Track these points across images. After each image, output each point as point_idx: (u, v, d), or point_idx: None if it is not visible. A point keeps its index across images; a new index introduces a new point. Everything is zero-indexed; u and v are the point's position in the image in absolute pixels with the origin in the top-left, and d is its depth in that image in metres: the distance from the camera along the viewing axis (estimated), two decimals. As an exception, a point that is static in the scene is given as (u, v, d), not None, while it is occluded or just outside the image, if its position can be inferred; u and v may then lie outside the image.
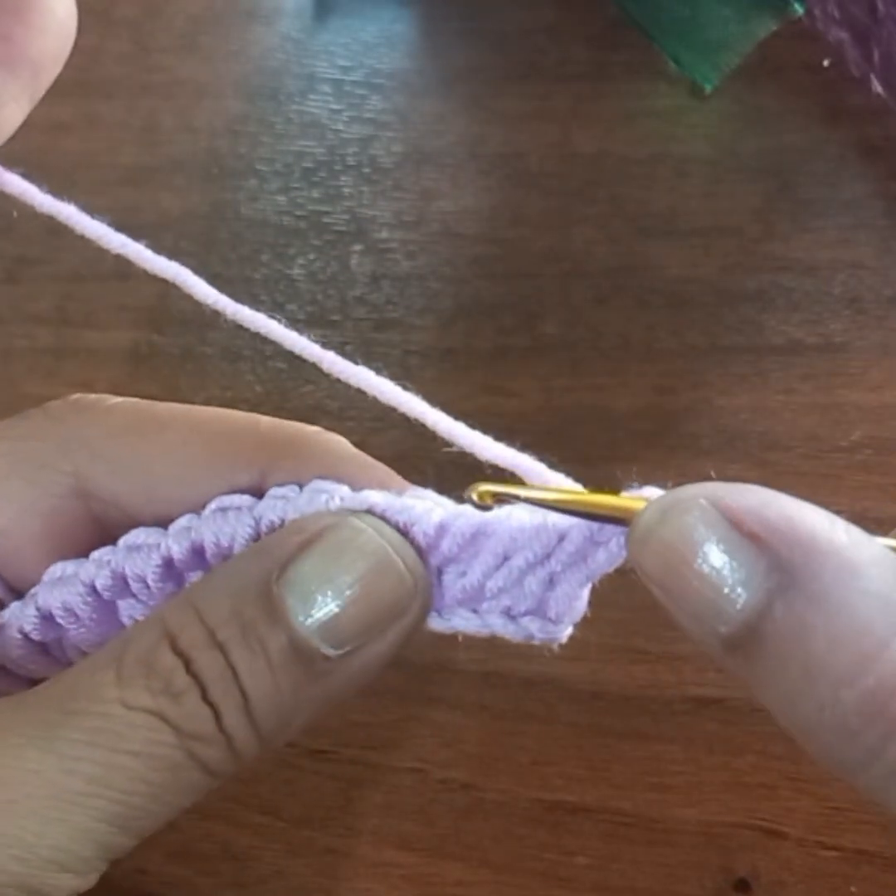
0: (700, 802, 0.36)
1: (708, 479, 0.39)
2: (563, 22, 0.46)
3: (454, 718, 0.38)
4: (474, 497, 0.22)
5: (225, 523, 0.23)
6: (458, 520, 0.23)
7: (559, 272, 0.43)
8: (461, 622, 0.24)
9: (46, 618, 0.24)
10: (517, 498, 0.22)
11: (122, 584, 0.24)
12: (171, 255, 0.45)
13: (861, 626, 0.19)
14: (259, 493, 0.24)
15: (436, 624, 0.24)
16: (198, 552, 0.24)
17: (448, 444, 0.26)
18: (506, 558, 0.23)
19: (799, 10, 0.41)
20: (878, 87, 0.41)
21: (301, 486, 0.24)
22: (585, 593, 0.24)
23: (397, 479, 0.25)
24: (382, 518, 0.23)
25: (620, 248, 0.43)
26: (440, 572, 0.24)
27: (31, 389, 0.46)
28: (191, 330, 0.45)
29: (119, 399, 0.26)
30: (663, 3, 0.42)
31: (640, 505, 0.22)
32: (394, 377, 0.27)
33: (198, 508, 0.24)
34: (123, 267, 0.47)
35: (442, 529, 0.23)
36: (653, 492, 0.23)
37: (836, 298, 0.41)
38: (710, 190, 0.43)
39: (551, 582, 0.23)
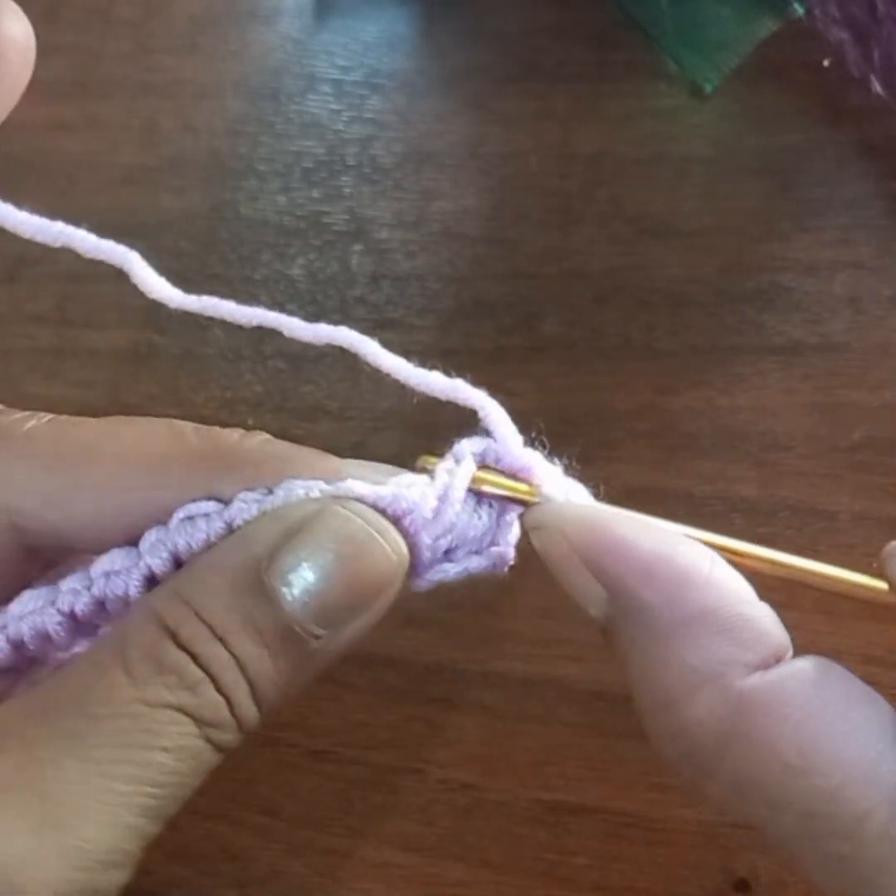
0: (700, 802, 0.36)
1: (708, 478, 0.40)
2: (563, 22, 0.46)
3: (454, 718, 0.38)
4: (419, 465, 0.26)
5: (196, 530, 0.24)
6: (446, 503, 0.25)
7: (559, 272, 0.43)
8: (443, 575, 0.26)
9: (17, 646, 0.25)
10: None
11: (100, 606, 0.24)
12: (171, 255, 0.45)
13: (665, 681, 0.22)
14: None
15: (422, 586, 0.26)
16: (177, 562, 0.24)
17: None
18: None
19: (799, 10, 0.41)
20: (878, 87, 0.41)
21: (270, 489, 0.24)
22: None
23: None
24: (372, 506, 0.24)
25: (620, 248, 0.43)
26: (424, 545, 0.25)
27: (32, 389, 0.46)
28: (191, 330, 0.45)
29: (31, 421, 0.25)
30: (663, 3, 0.42)
31: (530, 495, 0.26)
32: (393, 377, 0.27)
33: (138, 529, 0.24)
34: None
35: (436, 515, 0.25)
36: (550, 478, 0.26)
37: (836, 298, 0.41)
38: (710, 190, 0.43)
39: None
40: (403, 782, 0.38)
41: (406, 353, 0.43)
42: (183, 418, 0.44)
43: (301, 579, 0.23)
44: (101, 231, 0.26)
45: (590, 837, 0.37)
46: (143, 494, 0.24)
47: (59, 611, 0.24)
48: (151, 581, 0.24)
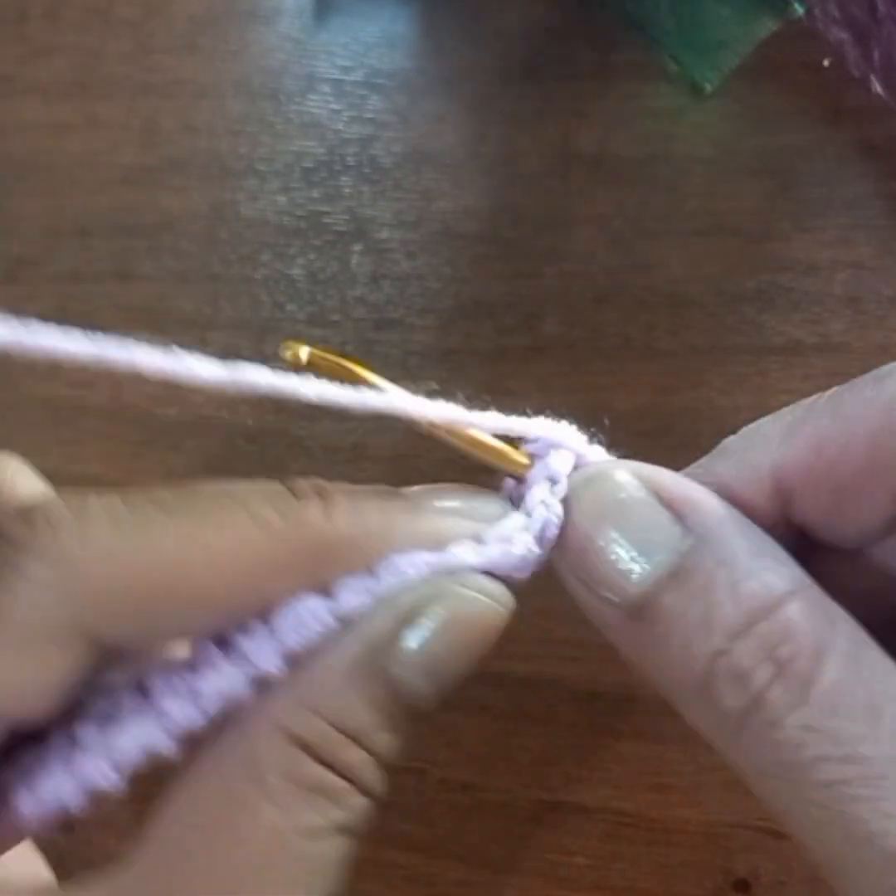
0: (700, 802, 0.36)
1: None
2: (563, 22, 0.46)
3: (454, 718, 0.38)
4: (289, 357, 0.25)
5: (307, 629, 0.23)
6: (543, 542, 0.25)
7: (559, 272, 0.43)
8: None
9: (119, 769, 0.24)
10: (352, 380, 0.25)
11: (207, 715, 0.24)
12: (172, 255, 0.45)
13: (762, 584, 0.21)
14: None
15: None
16: (291, 662, 0.23)
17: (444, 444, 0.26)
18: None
19: (799, 10, 0.41)
20: (878, 87, 0.41)
21: (371, 570, 0.23)
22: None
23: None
24: (485, 572, 0.24)
25: (620, 248, 0.43)
26: None
27: (32, 389, 0.46)
28: (191, 330, 0.45)
29: (96, 527, 0.22)
30: (663, 3, 0.42)
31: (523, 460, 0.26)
32: (394, 377, 0.27)
33: (229, 627, 0.23)
34: (123, 267, 0.47)
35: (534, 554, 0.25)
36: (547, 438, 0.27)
37: (836, 298, 0.41)
38: (710, 190, 0.43)
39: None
40: (403, 782, 0.38)
41: (406, 354, 0.44)
42: (183, 417, 0.44)
43: (427, 663, 0.23)
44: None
45: (590, 837, 0.37)
46: (238, 600, 0.23)
47: (169, 734, 0.23)
48: (263, 684, 0.23)
